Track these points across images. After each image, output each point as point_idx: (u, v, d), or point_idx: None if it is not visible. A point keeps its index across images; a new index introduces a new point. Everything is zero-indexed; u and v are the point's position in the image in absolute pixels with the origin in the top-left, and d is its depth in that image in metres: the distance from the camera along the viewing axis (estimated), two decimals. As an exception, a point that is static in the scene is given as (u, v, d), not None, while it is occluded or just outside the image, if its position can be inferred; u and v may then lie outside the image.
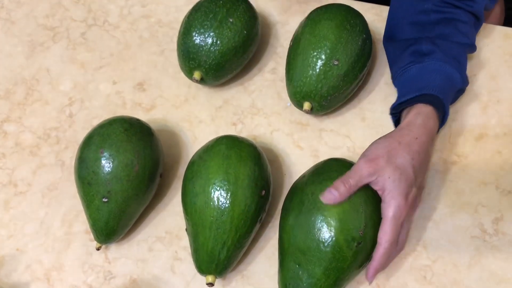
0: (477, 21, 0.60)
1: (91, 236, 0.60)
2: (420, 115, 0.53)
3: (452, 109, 0.63)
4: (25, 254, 0.60)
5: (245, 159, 0.52)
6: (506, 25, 0.70)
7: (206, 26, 0.60)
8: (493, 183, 0.58)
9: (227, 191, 0.51)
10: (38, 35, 0.74)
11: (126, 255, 0.59)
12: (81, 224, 0.61)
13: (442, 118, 0.55)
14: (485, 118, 0.62)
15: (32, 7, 0.76)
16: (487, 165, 0.59)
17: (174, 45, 0.71)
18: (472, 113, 0.62)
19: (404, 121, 0.53)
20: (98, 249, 0.57)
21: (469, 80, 0.62)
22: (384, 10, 0.70)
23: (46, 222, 0.61)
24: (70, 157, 0.65)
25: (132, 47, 0.72)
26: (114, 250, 0.59)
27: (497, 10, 0.61)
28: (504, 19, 0.76)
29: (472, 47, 0.60)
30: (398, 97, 0.56)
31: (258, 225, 0.54)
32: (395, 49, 0.59)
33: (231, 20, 0.61)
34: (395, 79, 0.59)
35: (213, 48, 0.60)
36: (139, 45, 0.72)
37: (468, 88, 0.63)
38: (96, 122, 0.67)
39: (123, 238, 0.59)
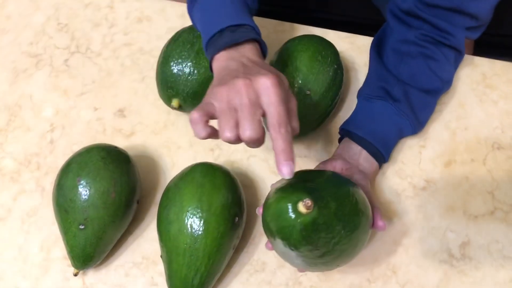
0: (458, 54, 0.63)
1: (69, 262, 0.61)
2: (360, 157, 0.59)
3: (422, 136, 0.65)
4: (3, 281, 0.60)
5: (219, 186, 0.54)
6: (475, 53, 0.72)
7: (183, 56, 0.62)
8: (461, 208, 0.60)
9: (200, 219, 0.52)
10: (21, 62, 0.76)
11: (103, 281, 0.60)
12: (60, 250, 0.62)
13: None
14: (453, 145, 0.64)
15: (16, 34, 0.78)
16: (455, 191, 0.61)
17: (154, 73, 0.73)
18: (442, 140, 0.65)
19: (348, 154, 0.59)
20: (75, 274, 0.58)
21: (439, 108, 0.65)
22: (358, 39, 0.73)
23: (25, 248, 0.62)
24: (50, 183, 0.66)
25: (113, 74, 0.74)
26: (92, 275, 0.60)
27: (467, 40, 0.64)
28: (474, 47, 0.79)
29: (444, 87, 0.64)
30: (352, 124, 0.60)
31: (232, 251, 0.56)
32: (375, 71, 0.63)
33: (207, 50, 0.63)
34: (361, 97, 0.63)
35: (191, 77, 0.62)
36: (120, 72, 0.74)
37: (438, 115, 0.66)
38: (76, 148, 0.68)
39: (100, 263, 0.60)
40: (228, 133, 0.45)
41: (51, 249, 0.62)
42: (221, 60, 0.51)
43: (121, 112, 0.71)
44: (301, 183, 0.46)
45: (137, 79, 0.73)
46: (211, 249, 0.52)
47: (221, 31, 0.52)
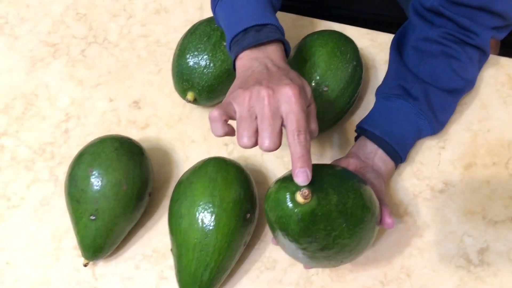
0: (483, 54, 0.61)
1: (79, 252, 0.60)
2: (376, 156, 0.58)
3: (442, 137, 0.63)
4: (14, 268, 0.60)
5: (231, 182, 0.53)
6: (501, 53, 0.70)
7: (200, 49, 0.62)
8: (480, 213, 0.58)
9: (211, 214, 0.51)
10: (39, 51, 0.76)
11: (113, 272, 0.59)
12: (71, 240, 0.61)
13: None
14: (474, 147, 0.62)
15: (35, 23, 0.78)
16: (474, 195, 0.59)
17: (170, 65, 0.72)
18: (462, 142, 0.63)
19: (363, 152, 0.57)
20: (85, 265, 0.57)
21: (461, 108, 0.63)
22: (379, 36, 0.71)
23: (37, 236, 0.62)
24: (64, 172, 0.66)
25: (129, 65, 0.73)
26: (102, 266, 0.60)
27: (492, 40, 0.62)
28: (500, 48, 0.77)
29: (466, 86, 0.61)
30: (369, 122, 0.59)
31: (243, 248, 0.55)
32: (395, 69, 0.62)
33: (224, 43, 0.62)
34: (378, 95, 0.62)
35: (206, 70, 0.62)
36: (136, 64, 0.73)
37: (459, 116, 0.64)
38: (90, 138, 0.67)
39: (110, 255, 0.60)
40: (246, 140, 0.45)
41: (62, 238, 0.62)
42: (245, 60, 0.51)
43: (136, 104, 0.70)
44: None
45: (153, 71, 0.73)
46: (221, 244, 0.51)
47: (245, 30, 0.51)
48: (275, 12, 0.57)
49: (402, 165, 0.62)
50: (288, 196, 0.42)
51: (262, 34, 0.51)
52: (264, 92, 0.45)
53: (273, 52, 0.51)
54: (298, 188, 0.42)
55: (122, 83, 0.72)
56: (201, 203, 0.52)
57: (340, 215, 0.43)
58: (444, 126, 0.61)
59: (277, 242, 0.48)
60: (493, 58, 0.67)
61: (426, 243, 0.57)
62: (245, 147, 0.45)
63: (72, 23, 0.78)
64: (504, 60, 0.68)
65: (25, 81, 0.73)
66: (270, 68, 0.49)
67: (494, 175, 0.60)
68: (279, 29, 0.53)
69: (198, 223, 0.51)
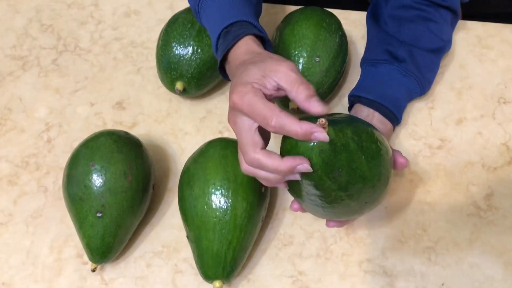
0: (454, 16, 0.64)
1: (84, 259, 0.57)
2: (373, 119, 0.58)
3: (429, 98, 0.65)
4: (12, 287, 0.56)
5: (242, 157, 0.52)
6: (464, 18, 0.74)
7: (185, 36, 0.61)
8: (479, 162, 0.60)
9: (228, 190, 0.50)
10: (6, 65, 0.72)
11: (123, 274, 0.56)
12: (72, 248, 0.57)
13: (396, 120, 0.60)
14: (461, 104, 0.65)
15: (-3, 39, 0.75)
16: (470, 146, 0.61)
17: (149, 63, 0.71)
18: (449, 100, 0.65)
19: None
20: (93, 270, 0.54)
21: (441, 70, 0.66)
22: (351, 14, 0.73)
23: (33, 251, 0.58)
24: (53, 182, 0.62)
25: (107, 69, 0.71)
26: (110, 270, 0.56)
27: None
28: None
29: (446, 46, 0.64)
30: (361, 89, 0.59)
31: (260, 224, 0.53)
32: (376, 36, 0.63)
33: (209, 28, 0.61)
34: (365, 64, 0.63)
35: (194, 57, 0.61)
36: (113, 66, 0.71)
37: (441, 77, 0.67)
38: (77, 144, 0.64)
39: (118, 257, 0.56)
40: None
41: (62, 248, 0.58)
42: (229, 73, 0.52)
43: (119, 105, 0.68)
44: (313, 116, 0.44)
45: (132, 71, 0.71)
46: (241, 220, 0.50)
47: (218, 37, 0.52)
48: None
49: (397, 129, 0.63)
50: None
51: (230, 36, 0.50)
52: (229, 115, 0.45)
53: (243, 52, 0.49)
54: (313, 121, 0.41)
55: (102, 87, 0.70)
56: (215, 181, 0.50)
57: (357, 147, 0.42)
58: (431, 84, 0.63)
59: (297, 198, 0.46)
60: (461, 23, 0.71)
61: (435, 197, 0.58)
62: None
63: (38, 34, 0.75)
64: (470, 23, 0.71)
65: (-4, 96, 0.69)
66: (240, 77, 0.46)
67: (484, 126, 0.63)
68: (246, 21, 0.52)
69: (215, 201, 0.50)
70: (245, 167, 0.45)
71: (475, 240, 0.55)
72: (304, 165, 0.41)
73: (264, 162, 0.43)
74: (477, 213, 0.57)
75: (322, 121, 0.40)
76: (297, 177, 0.43)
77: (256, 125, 0.44)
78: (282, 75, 0.43)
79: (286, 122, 0.41)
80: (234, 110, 0.44)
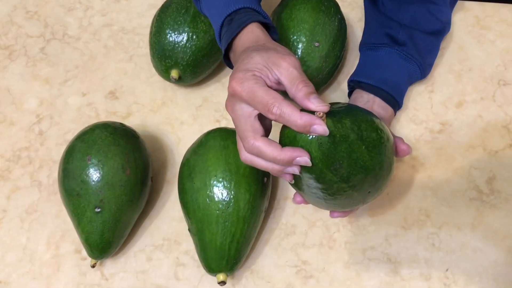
0: None
1: (82, 255, 0.55)
2: (374, 104, 0.57)
3: (429, 82, 0.64)
4: (10, 285, 0.54)
5: (243, 147, 0.51)
6: None
7: (179, 22, 0.59)
8: (480, 145, 0.60)
9: (230, 181, 0.49)
10: (-8, 55, 0.70)
11: (124, 269, 0.55)
12: (69, 244, 0.56)
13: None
14: (461, 86, 0.64)
15: (-19, 27, 0.72)
16: (471, 130, 0.61)
17: (142, 51, 0.69)
18: (448, 83, 0.64)
19: (361, 104, 0.56)
20: (93, 266, 0.53)
21: (440, 53, 0.65)
22: (347, -3, 0.72)
23: (29, 247, 0.56)
24: (47, 175, 0.60)
25: (97, 57, 0.69)
26: (110, 265, 0.55)
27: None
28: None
29: (445, 28, 0.63)
30: (360, 74, 0.58)
31: (263, 215, 0.52)
32: (375, 19, 0.62)
33: (204, 14, 0.59)
34: (364, 48, 0.61)
35: (189, 43, 0.59)
36: (104, 54, 0.69)
37: (440, 60, 0.66)
38: (70, 136, 0.63)
39: (117, 252, 0.55)
40: (287, 176, 0.43)
41: (59, 244, 0.56)
42: (233, 61, 0.50)
43: (112, 94, 0.66)
44: None
45: (124, 59, 0.69)
46: (245, 212, 0.49)
47: (222, 25, 0.50)
48: None
49: (398, 113, 0.62)
50: None
51: (234, 24, 0.49)
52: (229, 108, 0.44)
53: (247, 40, 0.48)
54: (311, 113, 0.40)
55: (93, 76, 0.67)
56: (217, 173, 0.49)
57: (357, 137, 0.41)
58: (431, 68, 0.62)
59: (299, 191, 0.45)
60: (458, 3, 0.70)
61: (437, 183, 0.58)
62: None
63: (24, 22, 0.72)
64: (468, 4, 0.70)
65: (-17, 88, 0.67)
66: (242, 64, 0.45)
67: (485, 109, 0.62)
68: (250, 8, 0.50)
69: (218, 193, 0.49)
70: (245, 156, 0.43)
71: (478, 225, 0.55)
72: (303, 158, 0.40)
73: (264, 150, 0.41)
74: (479, 197, 0.57)
75: (319, 112, 0.39)
76: (296, 171, 0.42)
77: (256, 112, 0.42)
78: (284, 70, 0.42)
79: (287, 111, 0.40)
80: (233, 97, 0.43)
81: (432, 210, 0.56)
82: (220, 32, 0.50)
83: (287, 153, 0.41)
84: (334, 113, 0.41)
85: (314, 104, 0.41)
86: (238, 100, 0.42)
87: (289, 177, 0.43)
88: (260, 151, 0.42)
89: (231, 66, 0.52)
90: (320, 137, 0.40)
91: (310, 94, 0.41)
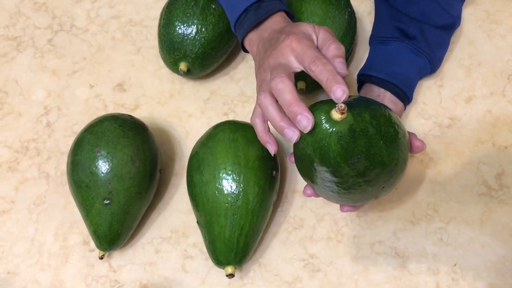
0: None
1: (90, 246, 0.56)
2: (385, 98, 0.57)
3: (438, 76, 0.64)
4: (18, 276, 0.55)
5: (252, 140, 0.51)
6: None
7: (189, 14, 0.58)
8: (489, 140, 0.60)
9: (239, 174, 0.49)
10: None
11: (131, 261, 0.55)
12: (77, 235, 0.56)
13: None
14: (470, 81, 0.64)
15: (-11, 18, 0.72)
16: (480, 125, 0.61)
17: (150, 43, 0.69)
18: (458, 78, 0.64)
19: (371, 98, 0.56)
20: (101, 258, 0.53)
21: (450, 47, 0.64)
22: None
23: (38, 239, 0.56)
24: (55, 167, 0.60)
25: (105, 49, 0.69)
26: (118, 257, 0.55)
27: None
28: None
29: (456, 22, 0.62)
30: (370, 68, 0.58)
31: (271, 208, 0.52)
32: (385, 13, 0.61)
33: (213, 6, 0.59)
34: (374, 42, 0.61)
35: (199, 36, 0.59)
36: (112, 46, 0.69)
37: (449, 54, 0.65)
38: (77, 128, 0.63)
39: (125, 244, 0.55)
40: (289, 133, 0.43)
41: (67, 235, 0.56)
42: (252, 44, 0.52)
43: (120, 87, 0.66)
44: (329, 99, 0.43)
45: (132, 51, 0.68)
46: (253, 205, 0.49)
47: (246, 10, 0.52)
48: None
49: (407, 108, 0.62)
50: (323, 117, 0.41)
51: (261, 10, 0.51)
52: (262, 97, 0.45)
53: (274, 24, 0.51)
54: (331, 107, 0.40)
55: (101, 68, 0.67)
56: (226, 166, 0.49)
57: (376, 131, 0.41)
58: (441, 62, 0.62)
59: (312, 184, 0.45)
60: (469, -3, 0.69)
61: (445, 177, 0.58)
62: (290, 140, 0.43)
63: (32, 13, 0.72)
64: (478, -2, 0.70)
65: (-9, 79, 0.67)
66: (271, 38, 0.49)
67: (494, 104, 0.62)
68: None
69: (227, 186, 0.49)
70: (263, 96, 0.44)
71: (487, 220, 0.55)
72: (308, 120, 0.41)
73: (288, 90, 0.43)
74: (488, 193, 0.57)
75: (341, 106, 0.39)
76: (294, 137, 0.42)
77: (295, 70, 0.46)
78: (322, 32, 0.47)
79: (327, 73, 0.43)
80: (284, 51, 0.46)
81: (441, 205, 0.56)
82: (239, 17, 0.52)
83: (301, 106, 0.42)
84: (353, 106, 0.41)
85: (337, 67, 0.44)
86: (288, 53, 0.45)
87: (291, 134, 0.43)
88: (283, 90, 0.43)
89: (245, 50, 0.55)
90: (339, 130, 0.40)
91: (337, 56, 0.45)
